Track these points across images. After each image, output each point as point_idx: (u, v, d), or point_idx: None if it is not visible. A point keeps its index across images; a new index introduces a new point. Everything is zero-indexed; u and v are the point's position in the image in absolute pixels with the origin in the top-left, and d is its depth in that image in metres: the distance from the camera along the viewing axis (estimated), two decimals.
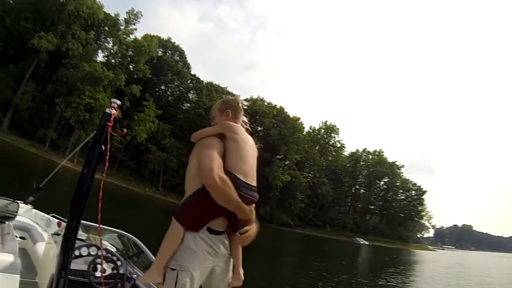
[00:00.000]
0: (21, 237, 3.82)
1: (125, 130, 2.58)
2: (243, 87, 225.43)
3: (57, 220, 4.32)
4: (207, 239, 1.92)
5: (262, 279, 13.41)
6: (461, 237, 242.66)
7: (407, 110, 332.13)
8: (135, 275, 3.65)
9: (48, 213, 4.49)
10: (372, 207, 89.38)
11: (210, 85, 68.70)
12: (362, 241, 69.76)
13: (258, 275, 14.10)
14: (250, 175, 2.01)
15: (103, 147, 2.21)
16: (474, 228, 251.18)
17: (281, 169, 61.90)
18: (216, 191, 1.81)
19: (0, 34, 43.96)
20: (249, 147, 2.09)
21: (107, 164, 2.16)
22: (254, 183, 2.04)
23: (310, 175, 73.87)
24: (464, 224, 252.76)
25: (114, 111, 2.25)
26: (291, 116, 69.57)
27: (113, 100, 2.29)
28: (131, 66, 55.25)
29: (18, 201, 3.56)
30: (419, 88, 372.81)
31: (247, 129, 2.21)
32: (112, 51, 54.82)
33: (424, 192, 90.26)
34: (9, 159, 29.38)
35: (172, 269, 1.86)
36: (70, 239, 2.13)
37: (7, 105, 44.12)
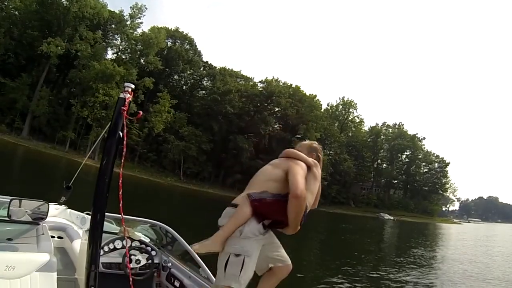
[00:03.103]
0: (58, 237, 3.91)
1: (141, 112, 2.43)
2: (257, 68, 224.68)
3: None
4: (261, 231, 2.23)
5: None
6: (487, 209, 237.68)
7: (423, 78, 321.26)
8: (170, 264, 3.73)
9: (82, 212, 4.56)
10: (395, 181, 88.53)
11: (223, 70, 68.88)
12: (387, 217, 69.05)
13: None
14: (311, 206, 2.46)
15: (121, 133, 2.06)
16: (500, 200, 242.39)
17: None
18: (298, 203, 2.15)
19: (10, 45, 45.00)
20: (317, 183, 2.53)
21: (125, 149, 2.08)
22: None
23: (331, 152, 72.93)
24: (489, 196, 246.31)
25: (128, 95, 2.11)
26: (307, 94, 69.11)
27: (126, 84, 2.15)
28: (142, 60, 55.75)
29: (49, 202, 3.56)
30: (436, 54, 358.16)
31: (318, 156, 2.66)
32: (121, 47, 55.60)
33: (447, 164, 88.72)
34: (33, 164, 30.06)
35: (237, 255, 2.12)
36: (96, 232, 2.09)
37: (24, 112, 45.50)
